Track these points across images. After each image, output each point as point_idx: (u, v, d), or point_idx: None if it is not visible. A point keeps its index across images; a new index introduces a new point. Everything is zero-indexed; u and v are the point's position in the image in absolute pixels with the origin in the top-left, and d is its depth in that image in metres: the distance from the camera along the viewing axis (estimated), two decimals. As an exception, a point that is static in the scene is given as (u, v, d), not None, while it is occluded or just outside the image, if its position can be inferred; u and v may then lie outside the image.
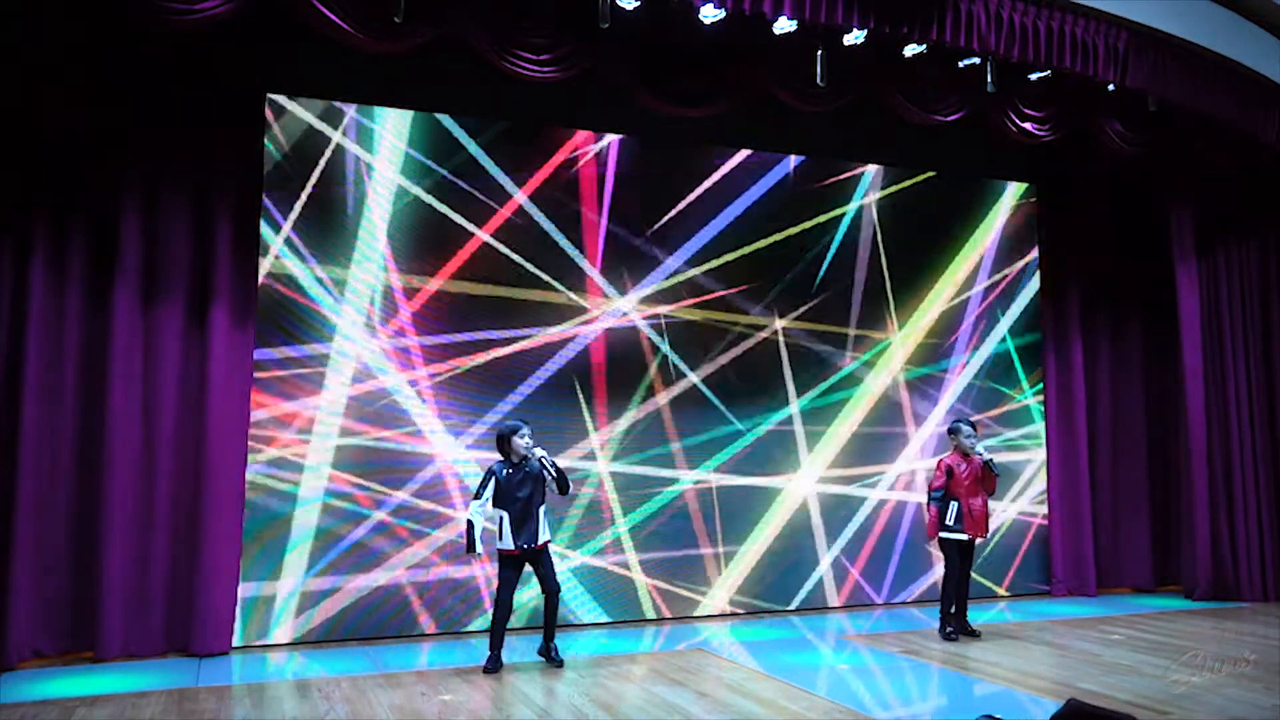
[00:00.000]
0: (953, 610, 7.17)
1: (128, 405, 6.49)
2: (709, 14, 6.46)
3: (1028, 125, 7.83)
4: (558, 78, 6.76)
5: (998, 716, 3.06)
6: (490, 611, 6.51)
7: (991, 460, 7.19)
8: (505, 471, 6.24)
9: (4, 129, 6.26)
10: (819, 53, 6.95)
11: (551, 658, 6.34)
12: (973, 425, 7.34)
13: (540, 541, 6.25)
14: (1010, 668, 6.30)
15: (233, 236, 6.83)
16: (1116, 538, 9.39)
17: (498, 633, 6.21)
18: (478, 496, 6.23)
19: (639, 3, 6.34)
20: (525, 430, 6.30)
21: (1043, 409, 9.37)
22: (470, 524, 6.17)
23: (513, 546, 6.20)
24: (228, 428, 6.72)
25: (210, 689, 5.78)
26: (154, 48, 6.59)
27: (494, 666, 6.15)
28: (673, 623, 7.83)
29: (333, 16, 5.99)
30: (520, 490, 6.22)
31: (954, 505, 7.10)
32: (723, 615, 8.07)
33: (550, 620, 6.37)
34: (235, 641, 6.73)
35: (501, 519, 6.21)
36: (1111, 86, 7.55)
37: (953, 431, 7.32)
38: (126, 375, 6.50)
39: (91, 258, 6.52)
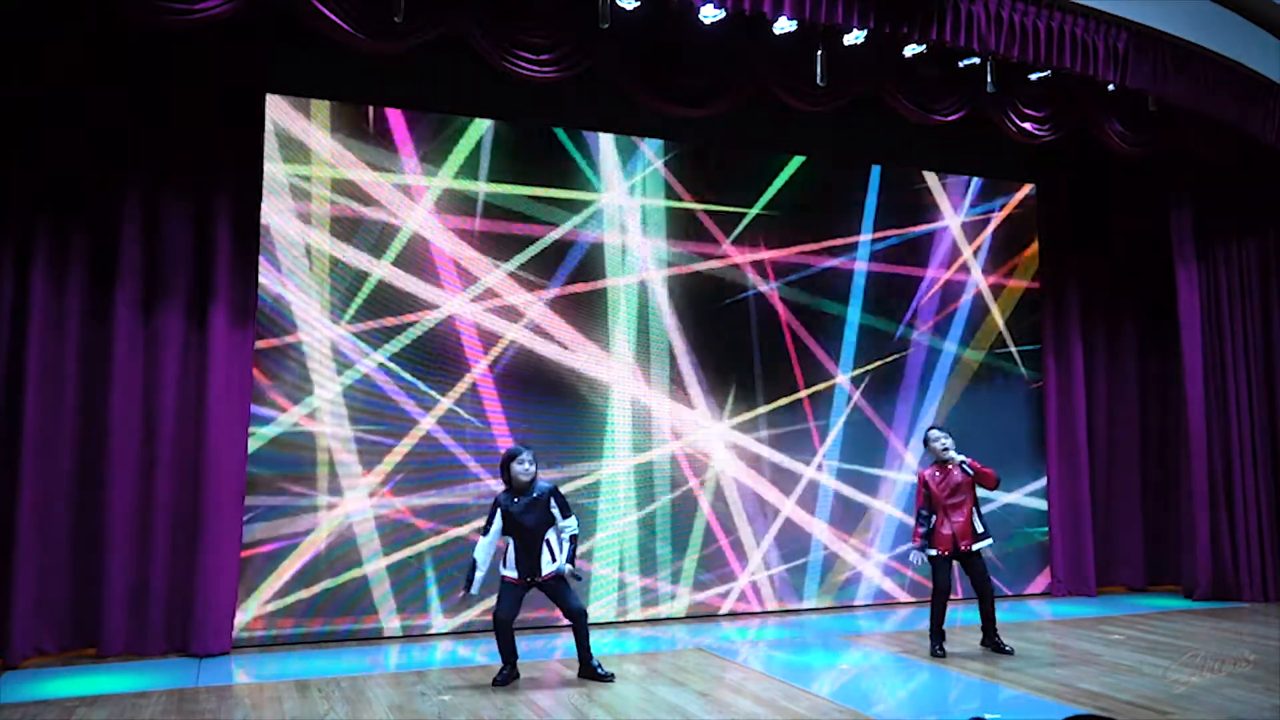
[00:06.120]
0: (944, 627, 6.75)
1: (128, 405, 6.49)
2: (709, 14, 6.47)
3: (1028, 125, 7.83)
4: (558, 78, 6.76)
5: (986, 717, 3.07)
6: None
7: (964, 463, 6.66)
8: (511, 500, 5.89)
9: (4, 129, 6.26)
10: (819, 53, 6.95)
11: (599, 674, 5.92)
12: (945, 430, 6.87)
13: (545, 574, 5.87)
14: (1010, 668, 6.29)
15: (233, 237, 6.83)
16: (1117, 538, 9.38)
17: (506, 649, 5.89)
18: (485, 532, 5.93)
19: (639, 3, 6.34)
20: (526, 456, 5.93)
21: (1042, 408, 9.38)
22: (474, 564, 5.88)
23: (516, 575, 5.88)
24: (227, 428, 6.71)
25: (210, 689, 5.78)
26: (154, 48, 6.59)
27: (505, 679, 5.84)
28: (672, 622, 7.84)
29: (333, 16, 5.99)
30: (527, 518, 5.86)
31: (931, 520, 6.70)
32: (723, 615, 8.08)
33: (583, 642, 5.95)
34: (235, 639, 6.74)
35: (509, 545, 5.90)
36: (1111, 86, 7.56)
37: (925, 441, 6.92)
38: (127, 375, 6.50)
39: (92, 259, 6.52)
